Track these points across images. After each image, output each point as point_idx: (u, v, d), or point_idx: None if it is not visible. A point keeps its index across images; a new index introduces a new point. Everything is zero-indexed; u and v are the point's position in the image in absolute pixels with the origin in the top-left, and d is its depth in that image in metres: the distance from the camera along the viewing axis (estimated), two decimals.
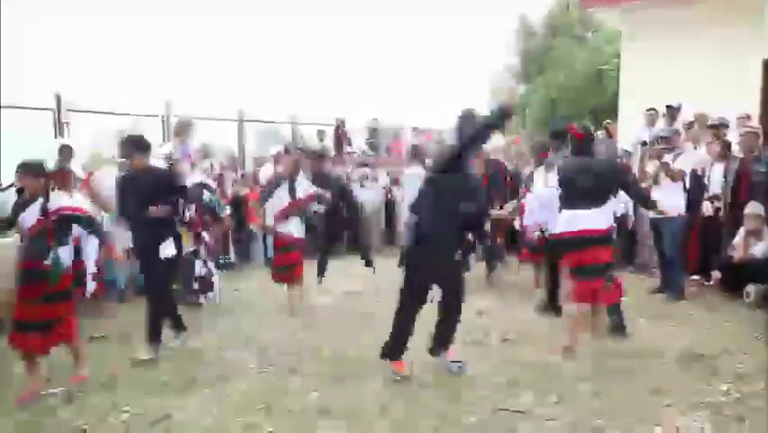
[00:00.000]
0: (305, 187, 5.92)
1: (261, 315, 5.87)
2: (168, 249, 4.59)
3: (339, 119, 11.71)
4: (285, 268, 5.76)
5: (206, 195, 5.94)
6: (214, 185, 6.45)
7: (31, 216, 3.88)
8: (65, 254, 3.95)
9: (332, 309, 6.08)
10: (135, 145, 4.62)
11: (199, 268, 6.02)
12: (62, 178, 5.67)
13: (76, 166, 6.20)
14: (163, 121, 8.29)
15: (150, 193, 4.55)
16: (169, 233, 4.65)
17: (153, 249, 4.56)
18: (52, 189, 3.99)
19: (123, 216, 4.74)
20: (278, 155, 9.38)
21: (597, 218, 4.36)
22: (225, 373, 4.31)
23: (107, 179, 6.06)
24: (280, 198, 5.79)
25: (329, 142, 11.28)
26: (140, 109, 8.19)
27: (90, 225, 4.17)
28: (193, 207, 5.79)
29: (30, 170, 3.91)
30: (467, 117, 3.99)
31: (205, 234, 6.01)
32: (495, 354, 4.64)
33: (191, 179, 5.89)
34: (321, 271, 6.12)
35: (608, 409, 3.60)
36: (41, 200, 3.88)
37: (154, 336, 4.60)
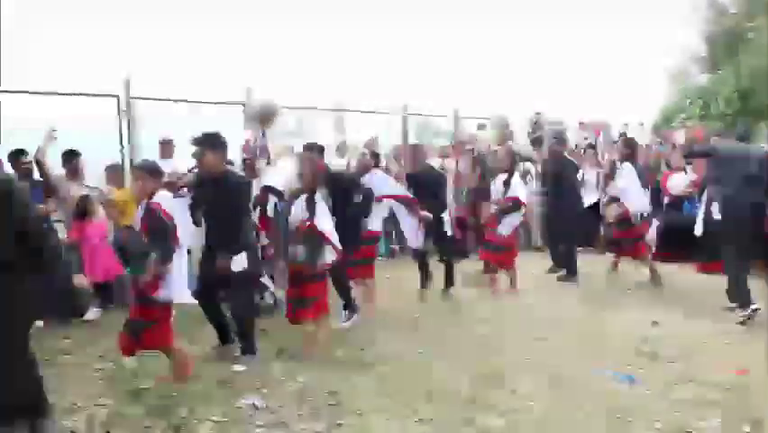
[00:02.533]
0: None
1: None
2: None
3: (500, 114, 11.54)
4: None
5: (272, 201, 5.11)
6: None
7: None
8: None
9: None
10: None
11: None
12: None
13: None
14: (336, 116, 8.82)
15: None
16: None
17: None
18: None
19: None
20: (447, 148, 9.55)
21: None
22: (390, 356, 4.50)
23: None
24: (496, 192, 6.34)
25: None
26: (313, 104, 8.81)
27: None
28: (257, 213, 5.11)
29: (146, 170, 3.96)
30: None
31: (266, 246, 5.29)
32: (670, 368, 4.27)
33: (266, 179, 5.19)
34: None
35: None
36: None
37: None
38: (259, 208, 5.03)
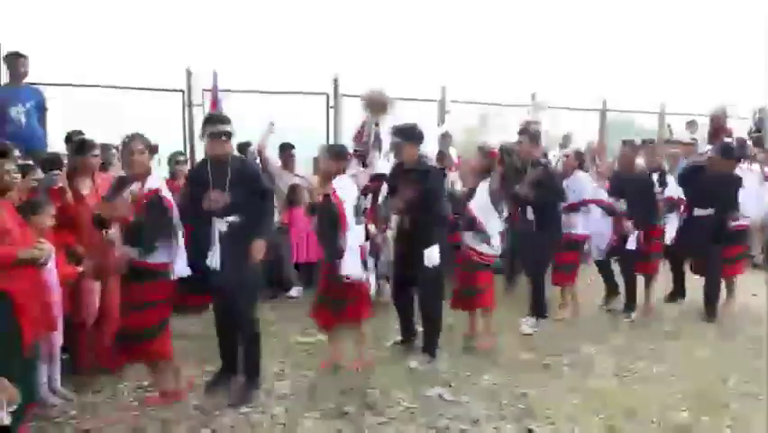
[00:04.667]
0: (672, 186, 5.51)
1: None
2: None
3: (718, 108, 10.27)
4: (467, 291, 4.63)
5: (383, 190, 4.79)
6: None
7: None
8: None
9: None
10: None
11: None
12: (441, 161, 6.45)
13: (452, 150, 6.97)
14: (528, 112, 8.59)
15: None
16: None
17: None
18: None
19: None
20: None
21: None
22: (583, 367, 4.30)
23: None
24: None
25: (702, 135, 10.04)
26: (508, 99, 8.69)
27: None
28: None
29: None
30: None
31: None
32: None
33: (377, 167, 5.06)
34: None
35: None
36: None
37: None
38: (370, 197, 4.69)
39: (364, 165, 5.25)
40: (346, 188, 4.05)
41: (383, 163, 5.02)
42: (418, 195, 4.18)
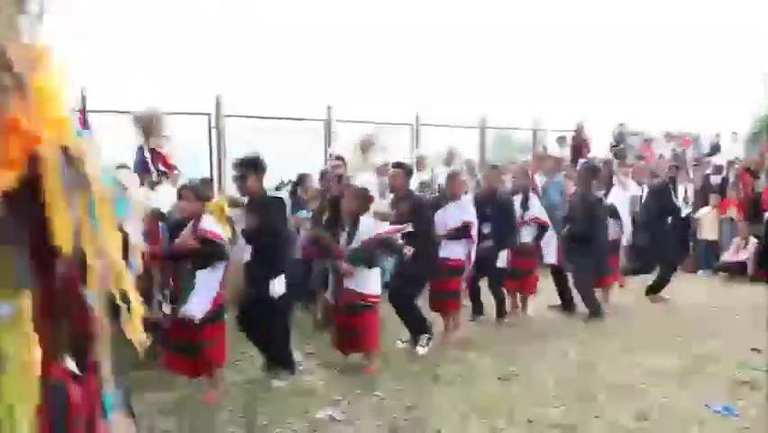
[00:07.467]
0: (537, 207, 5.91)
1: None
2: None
3: (578, 124, 11.14)
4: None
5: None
6: None
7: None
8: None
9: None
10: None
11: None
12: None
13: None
14: (413, 130, 8.89)
15: None
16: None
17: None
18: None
19: None
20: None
21: None
22: (468, 375, 4.47)
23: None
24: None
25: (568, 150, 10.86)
26: (393, 119, 8.91)
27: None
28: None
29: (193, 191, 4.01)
30: None
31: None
32: None
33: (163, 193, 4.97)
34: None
35: None
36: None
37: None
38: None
39: None
40: (214, 226, 3.91)
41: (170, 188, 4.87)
42: (256, 226, 4.14)
